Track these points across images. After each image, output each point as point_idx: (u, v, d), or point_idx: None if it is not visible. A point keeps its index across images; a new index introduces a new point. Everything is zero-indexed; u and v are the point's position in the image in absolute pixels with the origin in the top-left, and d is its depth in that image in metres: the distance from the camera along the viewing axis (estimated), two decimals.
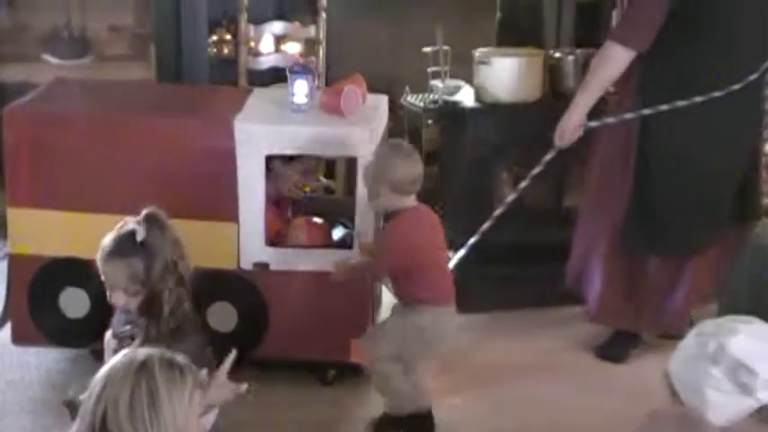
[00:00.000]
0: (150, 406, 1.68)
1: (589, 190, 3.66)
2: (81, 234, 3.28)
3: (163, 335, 2.37)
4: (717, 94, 3.18)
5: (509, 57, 4.21)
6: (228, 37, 4.88)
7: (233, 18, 4.70)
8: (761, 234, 3.25)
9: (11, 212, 3.36)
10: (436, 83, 4.39)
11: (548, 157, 3.57)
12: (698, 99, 3.20)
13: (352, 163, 3.38)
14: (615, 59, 3.30)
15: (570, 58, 4.27)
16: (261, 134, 3.30)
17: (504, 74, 4.15)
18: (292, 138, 3.32)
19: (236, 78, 4.61)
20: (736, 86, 3.18)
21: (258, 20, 4.68)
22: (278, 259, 3.36)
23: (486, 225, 3.56)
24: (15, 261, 3.41)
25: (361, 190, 3.24)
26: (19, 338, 3.50)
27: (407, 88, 4.32)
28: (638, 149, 3.39)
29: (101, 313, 3.33)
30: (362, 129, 3.35)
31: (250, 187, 3.31)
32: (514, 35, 4.50)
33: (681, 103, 3.24)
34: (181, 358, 1.80)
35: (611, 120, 3.41)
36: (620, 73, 3.33)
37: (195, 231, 3.16)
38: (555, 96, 4.23)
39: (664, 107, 3.26)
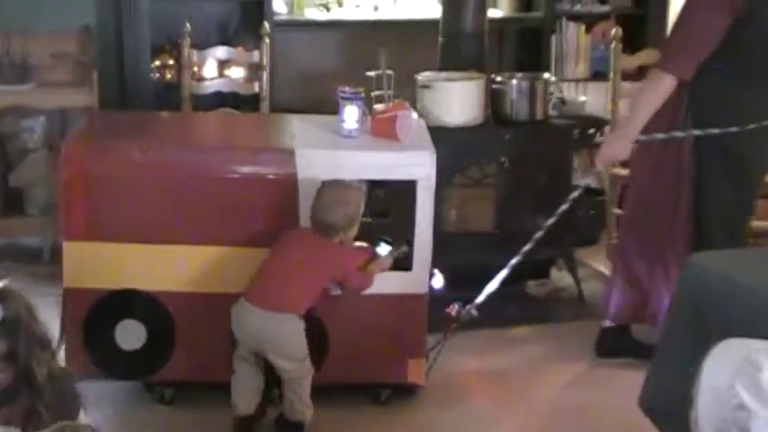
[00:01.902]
0: None
1: (635, 220, 3.67)
2: (138, 266, 3.29)
3: (49, 403, 2.30)
4: (751, 126, 3.26)
5: (451, 81, 4.25)
6: (171, 62, 4.88)
7: (176, 43, 4.69)
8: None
9: (66, 246, 3.31)
10: (379, 107, 4.40)
11: (585, 181, 3.65)
12: (751, 126, 3.26)
13: (411, 187, 3.35)
14: (661, 87, 3.33)
15: (512, 81, 4.33)
16: (322, 160, 3.30)
17: (447, 98, 4.18)
18: (354, 163, 3.33)
19: (180, 103, 4.59)
20: None
21: (201, 45, 4.68)
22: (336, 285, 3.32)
23: (514, 260, 3.52)
24: (70, 295, 3.34)
25: (420, 211, 3.31)
26: None
27: None
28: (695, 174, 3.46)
29: (157, 345, 3.35)
30: (423, 152, 3.38)
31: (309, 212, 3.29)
32: (457, 59, 4.52)
33: (732, 130, 3.29)
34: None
35: (660, 136, 3.42)
36: (665, 100, 3.36)
37: (254, 259, 3.20)
38: (497, 120, 4.28)
39: (714, 131, 3.31)
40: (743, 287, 2.48)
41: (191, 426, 3.29)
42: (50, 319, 2.59)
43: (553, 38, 5.34)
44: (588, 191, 3.57)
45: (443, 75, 4.37)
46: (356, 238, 3.39)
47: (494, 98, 4.34)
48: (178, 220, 3.28)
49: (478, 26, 4.55)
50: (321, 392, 3.22)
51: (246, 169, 3.30)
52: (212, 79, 4.80)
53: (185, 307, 3.31)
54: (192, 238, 3.27)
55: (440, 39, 4.60)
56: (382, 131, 3.45)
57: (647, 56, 4.90)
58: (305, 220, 3.27)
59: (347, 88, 3.78)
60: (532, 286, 4.53)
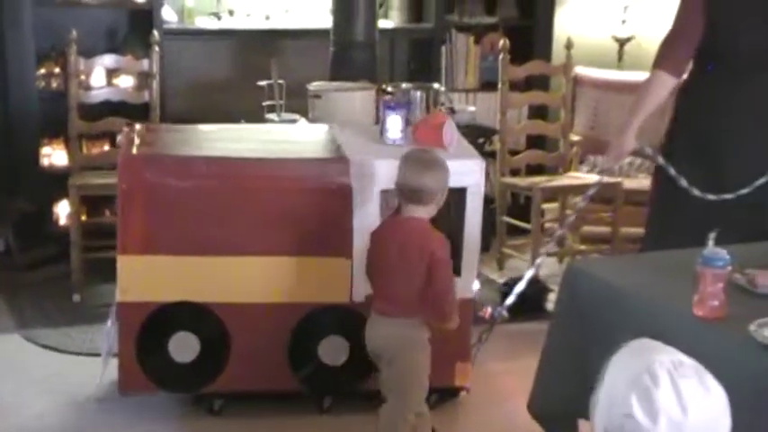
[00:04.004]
0: None
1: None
2: (192, 277, 3.27)
3: None
4: (743, 191, 3.24)
5: (342, 90, 4.29)
6: (58, 70, 4.80)
7: (62, 51, 4.62)
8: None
9: (121, 261, 3.27)
10: (272, 116, 4.43)
11: (600, 178, 3.68)
12: (727, 196, 3.24)
13: (461, 194, 3.36)
14: (653, 82, 3.43)
15: (402, 91, 4.37)
16: (378, 169, 3.31)
17: (338, 107, 4.21)
18: None
19: (67, 112, 4.51)
20: (762, 181, 3.26)
21: (89, 53, 4.61)
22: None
23: (539, 259, 3.55)
24: (124, 309, 3.30)
25: (469, 218, 3.35)
26: (126, 387, 3.38)
27: (242, 122, 4.28)
28: None
29: (211, 356, 3.33)
30: (474, 160, 3.43)
31: (364, 222, 3.29)
32: (348, 69, 4.57)
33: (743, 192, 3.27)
34: None
35: (661, 161, 3.44)
36: (664, 97, 3.45)
37: (309, 268, 3.27)
38: None
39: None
40: (617, 291, 2.57)
41: None
42: None
43: (443, 48, 5.40)
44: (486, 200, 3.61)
45: (334, 84, 4.41)
46: None
47: None
48: (233, 231, 3.29)
49: (369, 36, 4.62)
50: (371, 398, 3.18)
51: (302, 179, 3.33)
52: (100, 88, 4.73)
53: (239, 318, 3.31)
54: (246, 248, 3.29)
55: (331, 49, 4.65)
56: (427, 140, 3.48)
57: (534, 66, 5.06)
58: (359, 228, 3.29)
59: (390, 98, 3.80)
60: None
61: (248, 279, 3.31)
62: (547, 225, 5.08)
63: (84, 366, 3.77)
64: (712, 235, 2.37)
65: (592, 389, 1.70)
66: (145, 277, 3.27)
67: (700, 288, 2.35)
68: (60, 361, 3.87)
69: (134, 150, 3.37)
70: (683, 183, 3.33)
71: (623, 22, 5.50)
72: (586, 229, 5.00)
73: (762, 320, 2.28)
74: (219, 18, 5.17)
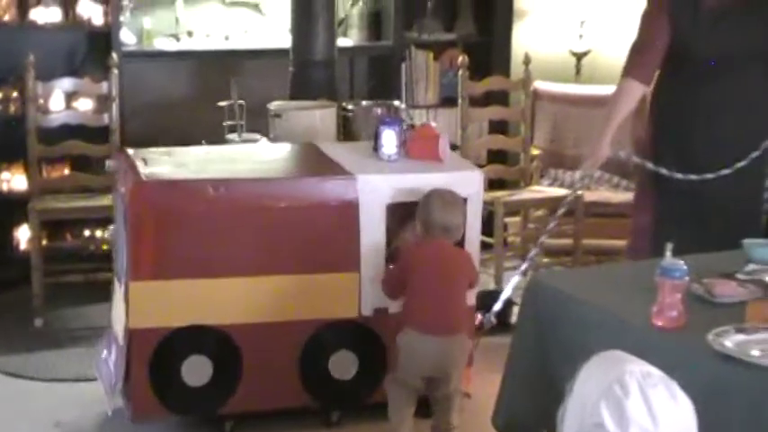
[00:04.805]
0: None
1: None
2: (204, 301, 3.29)
3: None
4: (725, 171, 3.42)
5: (303, 109, 4.32)
6: (15, 94, 4.77)
7: (19, 75, 4.60)
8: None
9: (133, 287, 3.26)
10: (232, 136, 4.44)
11: (578, 185, 3.87)
12: (708, 176, 3.42)
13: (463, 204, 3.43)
14: (622, 89, 3.55)
15: (363, 109, 4.43)
16: (383, 185, 3.40)
17: (299, 127, 4.25)
18: (413, 186, 3.39)
19: (25, 136, 4.50)
20: (743, 163, 3.43)
21: (47, 76, 4.60)
22: (395, 302, 3.36)
23: (524, 266, 3.64)
24: (136, 335, 3.29)
25: (470, 228, 3.42)
26: (138, 414, 3.37)
27: (203, 143, 4.30)
28: None
29: (223, 378, 3.36)
30: (474, 172, 3.56)
31: (372, 237, 3.38)
32: (308, 88, 4.59)
33: (708, 176, 3.43)
34: None
35: (637, 159, 3.62)
36: (634, 104, 3.59)
37: (318, 285, 3.33)
38: None
39: (678, 175, 3.47)
40: (578, 304, 2.61)
41: None
42: None
43: (403, 65, 5.43)
44: None
45: (295, 103, 4.44)
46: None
47: (345, 125, 4.43)
48: (243, 251, 3.32)
49: (329, 55, 4.65)
50: (374, 408, 3.27)
51: (311, 197, 3.38)
52: (59, 112, 4.71)
53: (251, 338, 3.34)
54: (257, 268, 3.32)
55: (291, 68, 4.67)
56: (422, 153, 3.57)
57: (493, 81, 5.10)
58: (366, 243, 3.37)
59: (385, 114, 3.88)
60: None
61: (259, 299, 3.34)
62: (510, 239, 5.12)
63: (47, 392, 3.75)
64: (669, 246, 2.41)
65: (555, 401, 1.73)
66: (157, 303, 3.28)
67: (658, 299, 2.40)
68: (22, 387, 3.84)
69: (142, 176, 3.35)
70: (664, 171, 3.46)
71: (580, 36, 5.55)
72: (548, 241, 4.90)
73: (720, 329, 2.32)
74: (178, 39, 5.18)
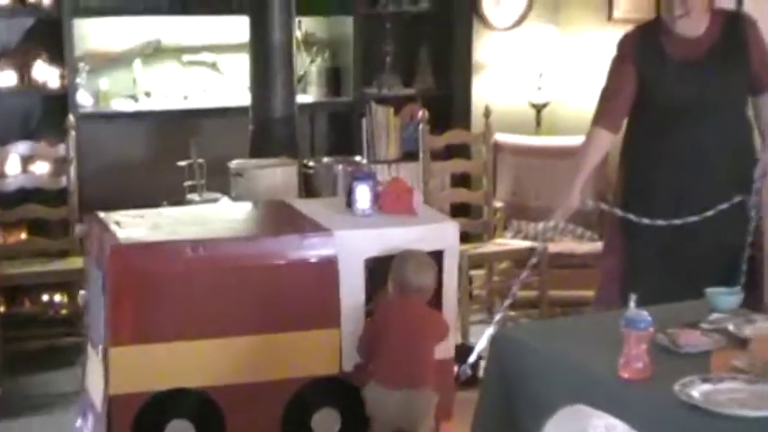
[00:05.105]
0: None
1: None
2: (186, 363, 3.28)
3: None
4: (692, 218, 3.44)
5: (263, 167, 4.33)
6: None
7: None
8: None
9: (113, 353, 3.23)
10: (193, 196, 4.44)
11: (548, 234, 3.97)
12: (691, 219, 3.44)
13: (438, 257, 3.49)
14: (591, 138, 3.63)
15: (325, 166, 4.49)
16: (361, 239, 3.43)
17: (260, 185, 4.25)
18: (390, 239, 3.44)
19: None
20: (724, 206, 3.45)
21: (2, 141, 4.58)
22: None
23: (498, 317, 3.59)
24: (116, 402, 3.25)
25: (446, 280, 3.49)
26: None
27: (164, 203, 4.30)
28: None
29: None
30: (449, 224, 3.61)
31: (351, 292, 3.40)
32: (268, 145, 4.61)
33: (676, 222, 3.46)
34: None
35: (604, 206, 3.67)
36: (603, 152, 3.69)
37: (299, 343, 3.35)
38: None
39: (647, 220, 3.49)
40: (544, 356, 2.62)
41: None
42: None
43: (363, 121, 5.46)
44: None
45: (255, 162, 4.44)
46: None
47: (306, 183, 4.47)
48: (224, 312, 3.32)
49: (288, 112, 4.67)
50: None
51: (290, 254, 3.39)
52: (15, 176, 4.68)
53: (234, 399, 3.33)
54: (238, 328, 3.33)
55: (250, 126, 4.68)
56: (397, 207, 3.62)
57: (454, 135, 5.14)
58: (346, 298, 3.40)
59: (359, 169, 3.92)
60: None
61: (240, 359, 3.34)
62: (475, 292, 5.12)
63: None
64: (633, 297, 2.42)
65: None
66: (137, 368, 3.26)
67: (624, 350, 2.40)
68: None
69: (119, 239, 3.34)
70: (632, 216, 3.49)
71: (539, 88, 5.61)
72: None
73: (686, 380, 2.33)
74: (136, 100, 5.18)
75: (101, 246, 3.39)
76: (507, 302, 3.65)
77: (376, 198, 3.62)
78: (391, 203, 3.63)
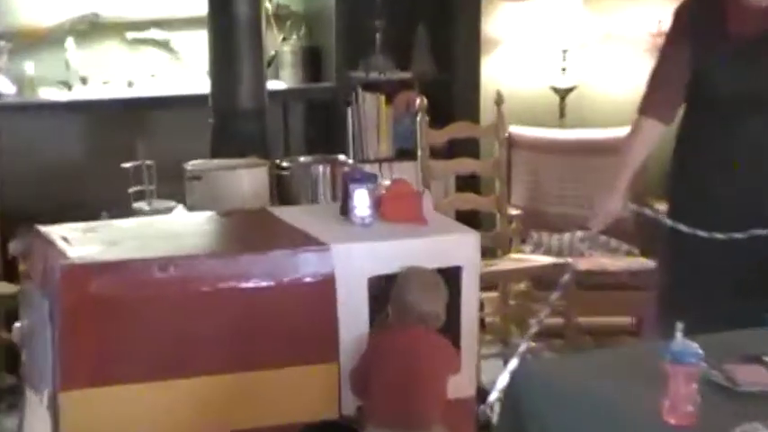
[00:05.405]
0: None
1: None
2: (154, 408, 3.26)
3: None
4: (758, 232, 3.48)
5: (227, 169, 4.31)
6: None
7: None
8: None
9: (64, 399, 3.18)
10: (141, 205, 4.41)
11: (585, 245, 3.95)
12: (737, 236, 3.49)
13: (456, 274, 3.49)
14: (639, 130, 3.68)
15: (302, 166, 4.46)
16: (363, 255, 3.42)
17: (223, 190, 4.23)
18: (398, 254, 3.42)
19: None
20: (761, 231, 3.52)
21: None
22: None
23: (522, 347, 3.64)
24: None
25: (465, 302, 3.49)
26: None
27: (104, 214, 4.25)
28: None
29: None
30: (468, 234, 3.59)
31: (352, 318, 3.39)
32: (233, 143, 4.60)
33: (737, 236, 3.50)
34: None
35: (650, 212, 3.77)
36: (652, 147, 3.71)
37: (291, 381, 3.34)
38: None
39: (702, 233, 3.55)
40: (572, 396, 2.63)
41: None
42: None
43: (348, 111, 5.46)
44: None
45: (217, 163, 4.43)
46: None
47: (280, 187, 4.45)
48: (204, 345, 3.30)
49: (257, 102, 4.66)
50: None
51: (279, 273, 3.38)
52: None
53: None
54: (219, 365, 3.31)
55: (210, 119, 4.66)
56: (402, 215, 3.61)
57: (458, 128, 5.13)
58: (346, 325, 3.39)
59: (355, 169, 3.91)
60: None
61: (221, 403, 3.33)
62: (487, 319, 5.12)
63: None
64: (680, 326, 2.43)
65: None
66: (95, 416, 3.22)
67: (670, 390, 2.39)
68: None
69: (70, 258, 3.29)
70: (683, 227, 3.53)
71: (563, 70, 5.62)
72: (531, 320, 4.97)
73: (746, 426, 2.32)
74: (70, 88, 5.18)
75: (46, 267, 3.36)
76: (533, 329, 3.67)
77: (377, 204, 3.63)
78: (396, 210, 3.63)
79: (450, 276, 3.46)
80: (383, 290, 3.45)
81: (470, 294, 3.55)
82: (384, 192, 3.72)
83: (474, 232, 3.65)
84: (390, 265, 3.42)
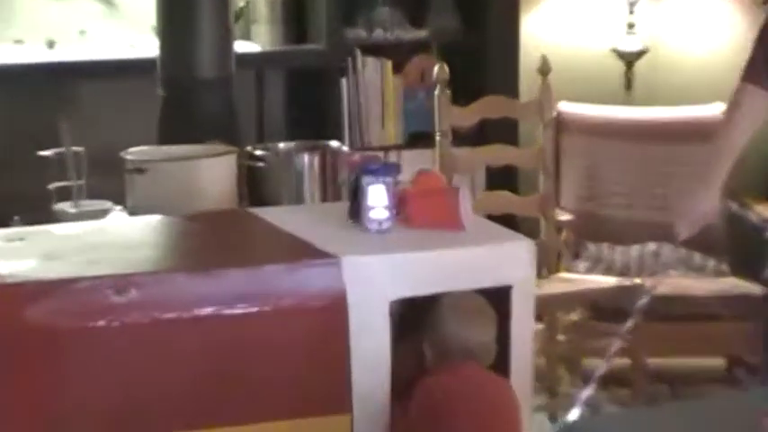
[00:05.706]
0: None
1: None
2: None
3: None
4: None
5: (181, 161, 4.25)
6: None
7: None
8: None
9: None
10: (65, 206, 4.35)
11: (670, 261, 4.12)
12: None
13: (504, 296, 3.51)
14: (741, 102, 3.78)
15: (281, 155, 4.41)
16: (384, 269, 3.39)
17: (174, 186, 4.15)
18: (428, 270, 3.42)
19: None
20: None
21: None
22: None
23: (584, 393, 3.87)
24: None
25: (517, 329, 3.48)
26: None
27: (16, 219, 4.20)
28: None
29: None
30: (519, 242, 3.59)
31: (369, 354, 3.36)
32: (189, 123, 4.55)
33: None
34: None
35: (753, 216, 3.96)
36: (758, 124, 3.81)
37: None
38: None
39: None
40: None
41: None
42: None
43: (343, 83, 5.48)
44: None
45: (166, 150, 4.38)
46: None
47: (253, 183, 4.38)
48: (176, 393, 3.25)
49: (221, 69, 4.63)
50: None
51: (274, 296, 3.34)
52: None
53: None
54: (196, 418, 3.27)
55: (160, 91, 4.62)
56: (430, 218, 3.61)
57: (490, 105, 5.11)
58: (361, 363, 3.34)
59: (369, 158, 4.03)
60: None
61: None
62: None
63: None
64: None
65: None
66: None
67: None
68: None
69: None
70: None
71: (630, 27, 5.66)
72: (588, 361, 5.07)
73: None
74: None
75: None
76: (600, 370, 3.84)
77: (398, 204, 3.58)
78: (422, 212, 3.61)
79: (496, 299, 3.43)
80: (406, 318, 3.49)
81: (523, 322, 3.54)
82: (407, 188, 3.67)
83: (528, 240, 3.62)
84: (418, 286, 3.39)
